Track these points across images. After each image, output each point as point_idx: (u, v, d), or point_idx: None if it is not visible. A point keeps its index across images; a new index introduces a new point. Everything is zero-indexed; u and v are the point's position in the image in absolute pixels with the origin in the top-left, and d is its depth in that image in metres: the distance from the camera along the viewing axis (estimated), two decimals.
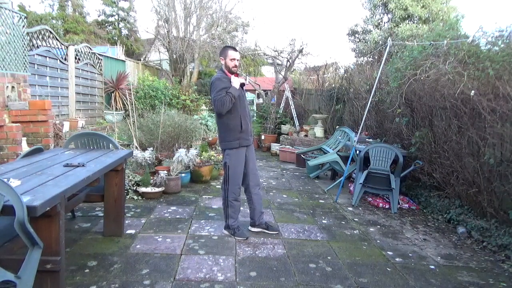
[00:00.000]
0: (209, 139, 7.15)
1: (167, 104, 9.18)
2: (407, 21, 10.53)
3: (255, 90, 11.47)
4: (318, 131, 8.47)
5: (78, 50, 7.60)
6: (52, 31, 6.55)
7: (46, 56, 6.25)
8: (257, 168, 3.55)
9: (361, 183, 4.65)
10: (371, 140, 5.87)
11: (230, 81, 3.17)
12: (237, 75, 3.27)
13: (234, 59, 3.18)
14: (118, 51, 12.57)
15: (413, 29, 9.68)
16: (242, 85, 3.27)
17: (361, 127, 5.32)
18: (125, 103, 8.41)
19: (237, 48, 3.28)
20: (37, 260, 1.72)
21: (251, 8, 26.77)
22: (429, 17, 10.32)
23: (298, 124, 9.54)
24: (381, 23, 11.46)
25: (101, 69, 8.83)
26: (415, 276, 2.84)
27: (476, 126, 3.78)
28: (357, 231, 3.80)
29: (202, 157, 5.61)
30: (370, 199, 4.91)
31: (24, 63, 4.75)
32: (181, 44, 12.82)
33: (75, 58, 7.41)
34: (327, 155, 5.97)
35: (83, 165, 2.55)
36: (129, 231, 3.37)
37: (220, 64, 3.37)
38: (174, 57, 13.25)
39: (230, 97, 3.06)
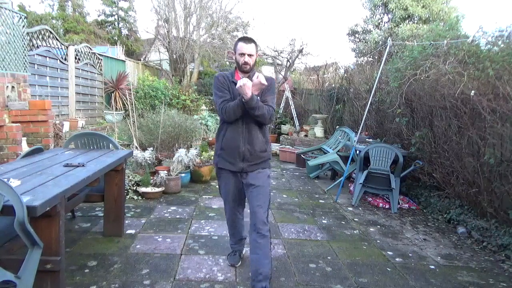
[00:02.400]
0: (209, 139, 7.15)
1: (167, 104, 9.18)
2: (407, 21, 10.52)
3: None
4: (318, 131, 8.47)
5: (78, 50, 7.60)
6: (52, 31, 6.55)
7: (46, 56, 6.25)
8: (261, 205, 2.46)
9: (361, 183, 4.65)
10: (371, 140, 5.87)
11: (233, 83, 2.43)
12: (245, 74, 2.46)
13: (243, 54, 2.39)
14: (118, 51, 12.57)
15: (413, 29, 9.68)
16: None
17: (361, 127, 5.32)
18: (125, 103, 8.41)
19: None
20: (37, 260, 1.72)
21: (251, 8, 26.78)
22: (430, 17, 10.31)
23: (298, 124, 9.54)
24: (381, 23, 11.45)
25: (101, 69, 8.83)
26: (415, 276, 2.84)
27: (476, 126, 3.78)
28: (357, 231, 3.80)
29: (202, 157, 5.61)
30: (370, 199, 4.91)
31: (24, 63, 4.76)
32: (181, 44, 12.82)
33: (75, 58, 7.41)
34: (327, 155, 5.96)
35: (83, 165, 2.55)
36: (129, 231, 3.37)
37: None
38: (174, 57, 13.25)
39: (233, 107, 2.33)
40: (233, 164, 2.46)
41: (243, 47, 2.40)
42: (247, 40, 2.44)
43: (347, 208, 4.59)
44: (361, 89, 7.06)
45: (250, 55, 2.41)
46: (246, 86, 2.21)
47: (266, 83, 2.27)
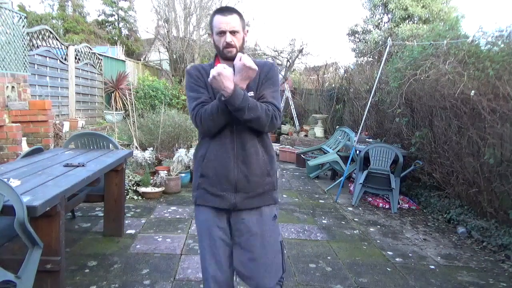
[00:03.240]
0: None
1: (167, 104, 9.18)
2: (407, 21, 10.52)
3: None
4: (318, 131, 8.47)
5: (78, 50, 7.60)
6: (52, 31, 6.55)
7: (46, 56, 6.25)
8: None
9: (361, 183, 4.64)
10: (371, 140, 5.87)
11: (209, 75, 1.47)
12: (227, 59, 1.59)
13: (222, 32, 1.56)
14: (118, 51, 12.58)
15: (413, 29, 9.67)
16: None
17: (361, 127, 5.32)
18: (125, 103, 8.41)
19: None
20: (37, 260, 1.72)
21: (251, 8, 26.80)
22: (429, 17, 10.31)
23: (298, 124, 9.54)
24: (381, 23, 11.45)
25: (101, 69, 8.83)
26: (415, 276, 2.84)
27: (476, 126, 3.78)
28: (357, 231, 3.80)
29: None
30: (370, 199, 4.91)
31: (24, 63, 4.76)
32: (181, 44, 12.81)
33: (75, 58, 7.41)
34: (327, 155, 5.96)
35: (83, 165, 2.55)
36: (129, 231, 3.37)
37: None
38: (174, 57, 13.25)
39: (211, 112, 1.52)
40: (221, 197, 1.60)
41: (220, 21, 1.55)
42: (226, 10, 1.59)
43: (347, 208, 4.59)
44: (361, 89, 7.06)
45: (233, 32, 1.55)
46: (223, 75, 1.41)
47: (255, 67, 1.44)
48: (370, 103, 5.12)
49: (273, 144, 8.98)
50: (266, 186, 1.65)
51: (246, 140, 1.60)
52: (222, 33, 1.55)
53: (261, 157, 1.63)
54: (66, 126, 6.07)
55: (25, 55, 4.77)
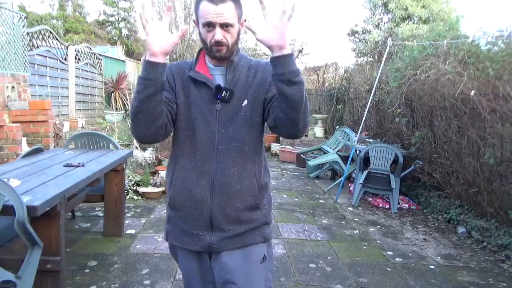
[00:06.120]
0: None
1: None
2: (407, 21, 10.52)
3: None
4: (318, 131, 8.47)
5: (78, 50, 7.60)
6: (52, 31, 6.56)
7: (46, 56, 6.25)
8: None
9: (361, 183, 4.64)
10: (371, 140, 5.87)
11: (191, 78, 1.24)
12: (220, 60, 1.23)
13: (210, 23, 1.14)
14: (118, 51, 12.59)
15: (413, 29, 9.68)
16: (218, 90, 1.21)
17: (361, 127, 5.32)
18: (125, 103, 8.42)
19: None
20: (37, 260, 1.72)
21: (251, 8, 26.79)
22: (429, 17, 10.32)
23: None
24: (381, 23, 11.46)
25: (101, 69, 8.84)
26: (415, 276, 2.84)
27: (476, 126, 3.78)
28: (357, 231, 3.80)
29: None
30: (370, 199, 4.91)
31: (24, 63, 4.76)
32: (181, 44, 12.81)
33: (75, 58, 7.42)
34: (327, 155, 5.96)
35: (83, 165, 2.55)
36: (129, 231, 3.37)
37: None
38: (174, 57, 13.25)
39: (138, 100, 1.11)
40: (192, 237, 1.25)
41: (208, 10, 1.13)
42: None
43: (347, 208, 4.59)
44: (361, 89, 7.07)
45: (225, 26, 1.15)
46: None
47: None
48: (370, 103, 5.12)
49: (273, 144, 9.00)
50: (253, 223, 1.25)
51: (231, 159, 1.20)
52: (210, 25, 1.15)
53: (249, 180, 1.23)
54: (66, 126, 6.07)
55: (25, 55, 4.77)
